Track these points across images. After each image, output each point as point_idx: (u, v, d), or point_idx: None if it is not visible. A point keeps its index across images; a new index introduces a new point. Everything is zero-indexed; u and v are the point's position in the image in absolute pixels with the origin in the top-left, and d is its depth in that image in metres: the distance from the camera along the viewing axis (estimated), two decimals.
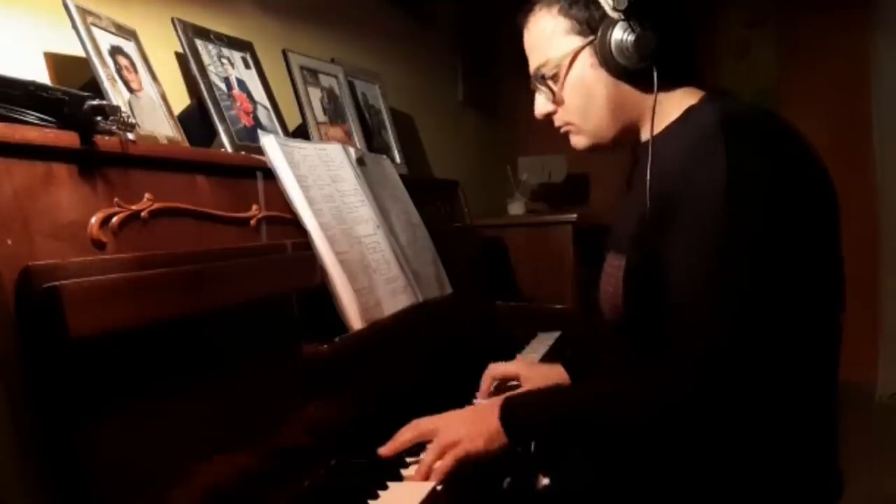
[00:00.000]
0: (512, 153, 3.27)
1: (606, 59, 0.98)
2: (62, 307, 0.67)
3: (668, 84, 0.99)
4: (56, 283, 0.68)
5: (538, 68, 1.05)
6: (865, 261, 3.12)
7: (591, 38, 0.99)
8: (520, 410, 0.98)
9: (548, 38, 1.03)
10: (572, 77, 1.02)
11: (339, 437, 1.04)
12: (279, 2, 1.74)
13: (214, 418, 0.86)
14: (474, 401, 1.30)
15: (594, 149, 1.07)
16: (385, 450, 1.00)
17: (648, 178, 0.95)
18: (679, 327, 0.88)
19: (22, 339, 0.69)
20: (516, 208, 2.97)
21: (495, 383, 1.31)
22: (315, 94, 1.65)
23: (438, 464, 0.94)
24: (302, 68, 1.63)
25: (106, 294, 0.73)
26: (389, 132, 1.98)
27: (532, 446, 1.07)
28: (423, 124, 2.46)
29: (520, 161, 3.17)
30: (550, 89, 1.05)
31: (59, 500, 0.69)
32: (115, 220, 0.84)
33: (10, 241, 0.71)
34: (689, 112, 0.99)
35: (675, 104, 1.00)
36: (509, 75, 3.45)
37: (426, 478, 0.93)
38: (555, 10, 1.02)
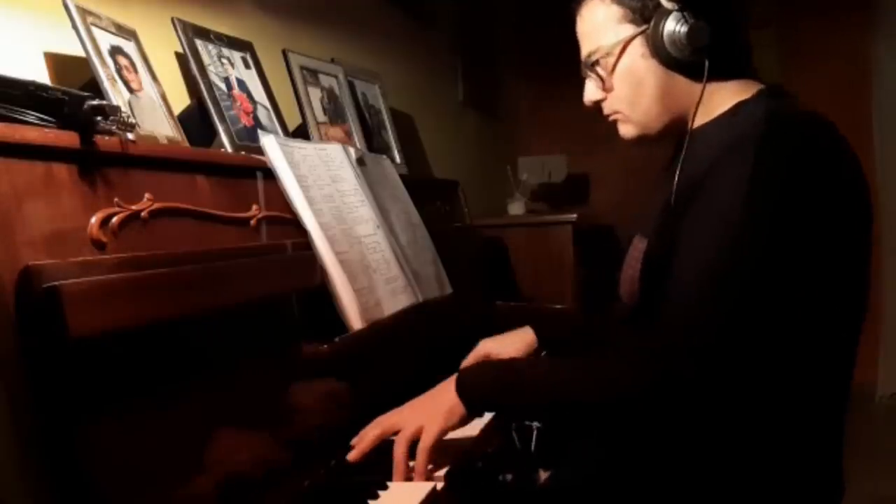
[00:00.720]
0: (512, 153, 3.27)
1: (658, 50, 0.97)
2: (62, 307, 0.67)
3: (720, 77, 0.98)
4: (56, 283, 0.69)
5: (589, 55, 1.04)
6: None
7: (644, 27, 0.98)
8: (473, 378, 0.99)
9: (600, 25, 1.02)
10: (622, 65, 1.02)
11: (339, 437, 1.04)
12: (279, 2, 1.74)
13: (214, 419, 0.86)
14: None
15: (641, 139, 1.06)
16: (353, 455, 0.98)
17: (680, 166, 0.95)
18: (668, 310, 0.89)
19: (22, 340, 0.69)
20: (516, 208, 2.97)
21: None
22: (315, 94, 1.65)
23: (414, 464, 0.94)
24: (302, 68, 1.63)
25: (106, 294, 0.73)
26: (389, 132, 1.98)
27: (532, 444, 1.07)
28: (423, 124, 2.46)
29: (520, 161, 3.17)
30: (600, 77, 1.04)
31: (59, 500, 0.69)
32: (115, 220, 0.84)
33: (9, 241, 0.71)
34: (739, 106, 0.98)
35: (726, 97, 0.99)
36: (509, 75, 3.46)
37: (404, 478, 0.93)
38: None
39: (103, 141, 0.85)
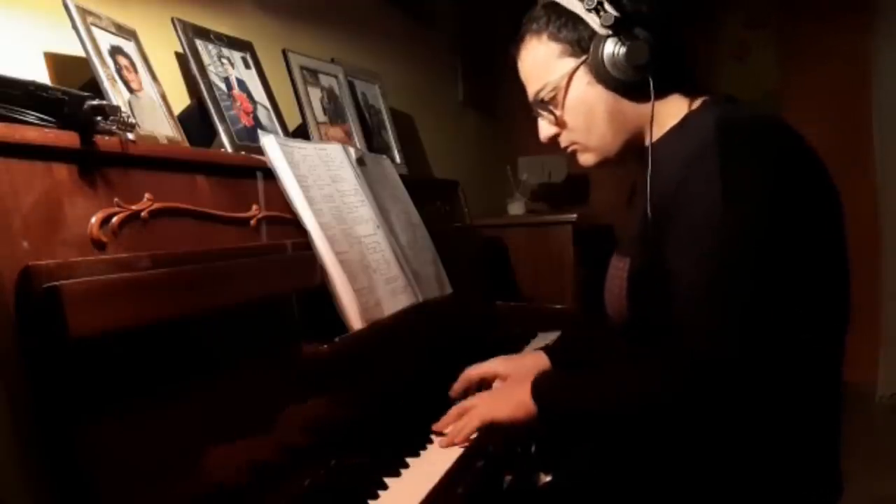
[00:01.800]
0: (512, 153, 3.27)
1: (601, 75, 1.00)
2: (62, 307, 0.67)
3: (666, 91, 1.01)
4: (56, 283, 0.69)
5: (537, 94, 1.07)
6: (866, 262, 3.12)
7: (584, 57, 1.01)
8: (548, 383, 1.04)
9: (542, 64, 1.05)
10: (571, 97, 1.04)
11: (339, 437, 1.04)
12: (279, 2, 1.74)
13: (214, 418, 0.86)
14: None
15: (602, 164, 1.08)
16: (438, 425, 1.11)
17: (648, 183, 0.96)
18: (679, 330, 0.89)
19: (22, 339, 0.69)
20: (516, 208, 2.97)
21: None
22: (315, 94, 1.65)
23: (464, 425, 1.05)
24: (302, 68, 1.63)
25: (106, 294, 0.73)
26: (389, 132, 1.98)
27: (533, 447, 1.08)
28: (423, 124, 2.46)
29: (520, 161, 3.17)
30: (552, 112, 1.07)
31: (59, 500, 0.69)
32: (115, 220, 0.84)
33: (9, 241, 0.71)
34: (687, 118, 1.00)
35: (673, 110, 1.01)
36: (509, 75, 3.44)
37: (455, 441, 1.04)
38: (544, 37, 1.04)
39: (103, 141, 0.86)
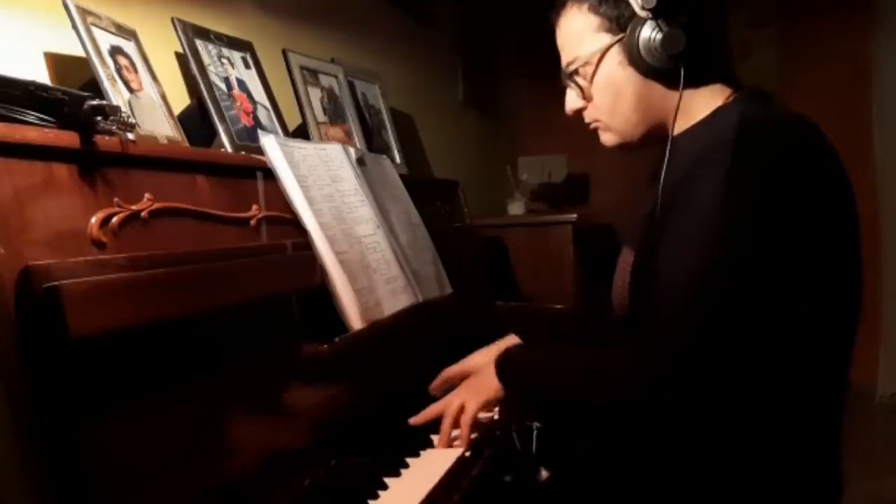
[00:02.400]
0: (512, 153, 3.27)
1: (634, 58, 0.98)
2: (62, 307, 0.67)
3: (697, 83, 0.99)
4: (56, 283, 0.69)
5: (568, 64, 1.05)
6: (866, 262, 3.13)
7: (621, 35, 0.99)
8: (509, 364, 1.08)
9: (578, 35, 1.03)
10: (601, 74, 1.02)
11: (339, 437, 1.04)
12: (279, 2, 1.74)
13: (214, 418, 0.86)
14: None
15: (623, 146, 1.07)
16: (416, 419, 1.14)
17: (663, 176, 0.95)
18: (652, 314, 0.90)
19: (22, 339, 0.69)
20: (516, 208, 2.97)
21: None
22: (315, 94, 1.65)
23: (457, 432, 1.08)
24: (302, 68, 1.63)
25: (106, 294, 0.73)
26: (389, 132, 1.98)
27: (534, 445, 1.08)
28: (423, 124, 2.46)
29: (520, 161, 3.17)
30: (580, 86, 1.05)
31: (59, 500, 0.69)
32: (115, 220, 0.84)
33: (10, 241, 0.71)
34: (716, 112, 0.99)
35: (704, 103, 1.00)
36: (509, 75, 3.46)
37: (449, 444, 1.08)
38: (585, 7, 1.02)
39: (103, 141, 0.86)
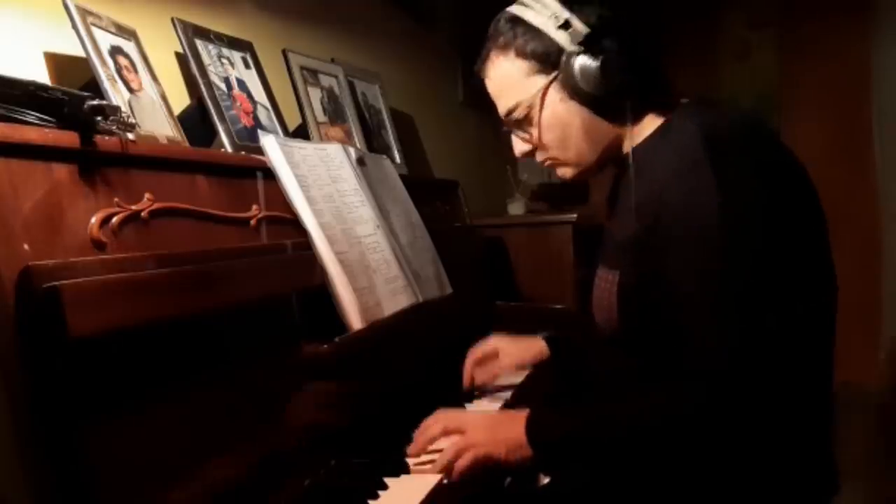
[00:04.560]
0: (512, 153, 3.27)
1: (575, 91, 0.98)
2: (62, 307, 0.67)
3: (641, 99, 1.00)
4: (56, 283, 0.69)
5: (509, 112, 1.06)
6: (866, 262, 3.13)
7: (555, 73, 0.99)
8: (544, 427, 0.97)
9: (511, 82, 1.03)
10: (545, 115, 1.03)
11: (339, 437, 1.04)
12: (279, 2, 1.74)
13: (214, 418, 0.86)
14: (474, 401, 1.32)
15: (580, 176, 1.08)
16: (413, 449, 1.02)
17: (634, 196, 0.96)
18: (689, 346, 0.88)
19: (22, 339, 0.69)
20: (516, 208, 2.97)
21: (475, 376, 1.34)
22: (315, 94, 1.65)
23: (458, 462, 0.96)
24: (302, 68, 1.63)
25: (106, 294, 0.73)
26: (389, 132, 1.98)
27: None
28: (423, 124, 2.46)
29: (520, 161, 3.17)
30: (526, 130, 1.06)
31: (60, 500, 0.69)
32: (115, 220, 0.84)
33: (9, 241, 0.71)
34: (666, 123, 1.00)
35: (650, 117, 1.01)
36: None
37: (443, 472, 0.95)
38: (511, 54, 1.02)
39: (103, 141, 0.86)
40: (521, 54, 1.01)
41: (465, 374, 1.34)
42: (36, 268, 0.70)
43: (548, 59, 0.99)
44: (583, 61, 0.96)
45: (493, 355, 1.35)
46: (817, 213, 0.94)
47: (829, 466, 0.97)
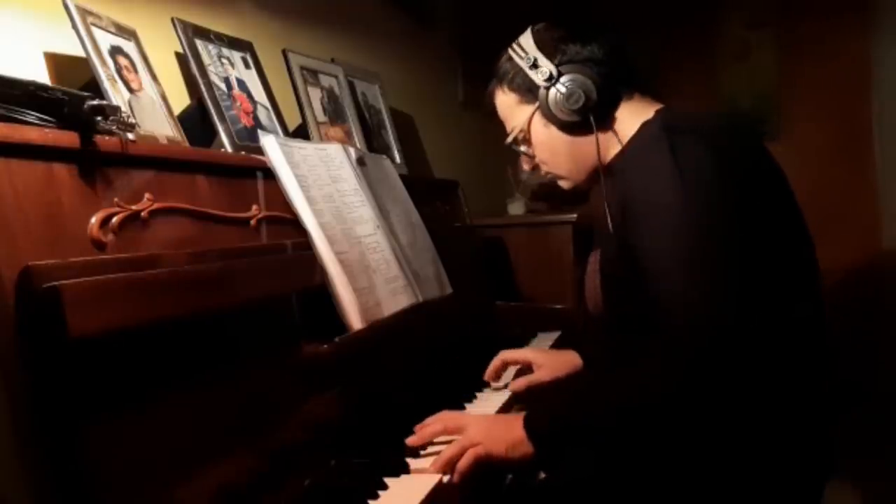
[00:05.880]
0: (512, 153, 3.26)
1: (552, 119, 1.13)
2: (62, 307, 0.67)
3: (612, 116, 1.12)
4: (56, 282, 0.69)
5: (510, 135, 1.22)
6: (866, 262, 3.13)
7: (536, 104, 1.15)
8: (542, 419, 1.00)
9: (508, 110, 1.21)
10: (535, 139, 1.19)
11: (339, 437, 1.04)
12: (279, 2, 1.74)
13: (214, 418, 0.86)
14: (485, 389, 1.35)
15: (577, 189, 1.23)
16: (413, 440, 1.04)
17: (604, 192, 1.10)
18: (666, 314, 0.92)
19: (22, 339, 0.69)
20: (516, 208, 2.97)
21: (512, 368, 1.38)
22: (315, 94, 1.65)
23: (459, 462, 0.97)
24: (302, 68, 1.63)
25: (106, 294, 0.73)
26: (389, 132, 1.98)
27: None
28: (423, 124, 2.46)
29: (520, 161, 3.17)
30: (526, 150, 1.23)
31: (59, 500, 0.69)
32: (115, 220, 0.84)
33: (10, 241, 0.71)
34: (640, 129, 1.08)
35: (630, 126, 1.10)
36: None
37: (444, 471, 0.96)
38: (504, 87, 1.20)
39: (103, 141, 0.86)
40: (511, 88, 1.18)
41: (491, 367, 1.36)
42: (36, 268, 0.70)
43: (529, 92, 1.15)
44: (553, 94, 1.11)
45: (527, 366, 1.36)
46: (782, 191, 1.02)
47: (824, 447, 1.00)
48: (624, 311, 1.06)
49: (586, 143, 1.13)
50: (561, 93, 1.10)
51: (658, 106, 1.11)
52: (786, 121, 3.25)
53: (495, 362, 1.36)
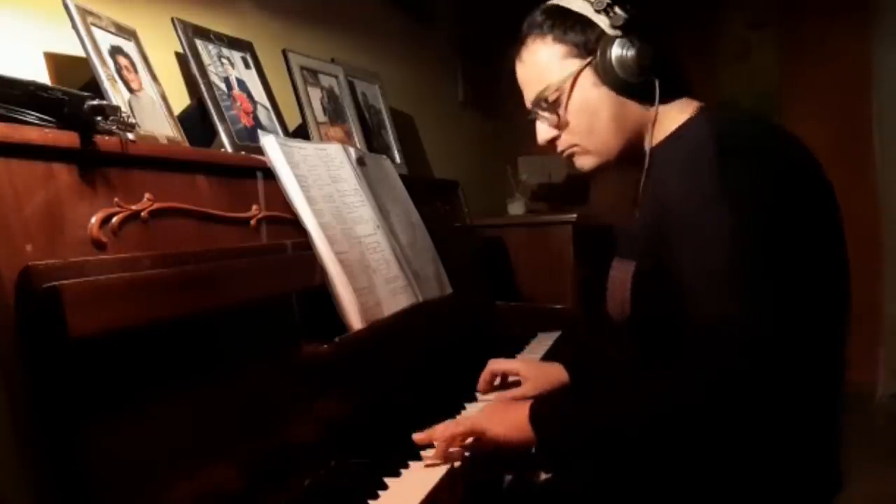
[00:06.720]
0: (512, 153, 3.27)
1: (609, 77, 1.00)
2: (62, 307, 0.67)
3: (667, 96, 1.02)
4: (56, 283, 0.69)
5: (538, 95, 1.07)
6: (866, 262, 3.12)
7: (590, 58, 1.02)
8: (547, 407, 0.98)
9: (545, 65, 1.06)
10: (575, 99, 1.04)
11: (339, 437, 1.04)
12: (279, 2, 1.74)
13: (215, 418, 0.86)
14: (479, 396, 1.32)
15: (600, 167, 1.09)
16: (420, 436, 1.02)
17: (644, 187, 0.98)
18: (702, 329, 0.87)
19: (22, 339, 0.69)
20: (516, 208, 2.97)
21: (497, 380, 1.33)
22: (315, 94, 1.65)
23: (455, 428, 0.98)
24: (302, 68, 1.63)
25: (106, 294, 0.73)
26: (389, 132, 1.98)
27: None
28: (423, 124, 2.46)
29: (520, 161, 3.17)
30: (554, 113, 1.07)
31: (60, 500, 0.69)
32: (115, 220, 0.84)
33: (10, 241, 0.71)
34: (684, 125, 1.01)
35: (673, 116, 1.03)
36: (509, 75, 3.43)
37: (444, 442, 0.97)
38: (549, 38, 1.05)
39: (103, 141, 0.86)
40: (559, 39, 1.03)
41: (482, 380, 1.32)
42: (36, 268, 0.70)
43: (585, 44, 1.02)
44: (618, 48, 0.98)
45: (514, 375, 1.33)
46: (831, 213, 0.94)
47: (833, 464, 0.97)
48: (655, 322, 0.98)
49: (635, 113, 1.02)
50: (633, 47, 0.97)
51: (698, 103, 1.04)
52: (786, 121, 3.22)
53: (484, 374, 1.32)
